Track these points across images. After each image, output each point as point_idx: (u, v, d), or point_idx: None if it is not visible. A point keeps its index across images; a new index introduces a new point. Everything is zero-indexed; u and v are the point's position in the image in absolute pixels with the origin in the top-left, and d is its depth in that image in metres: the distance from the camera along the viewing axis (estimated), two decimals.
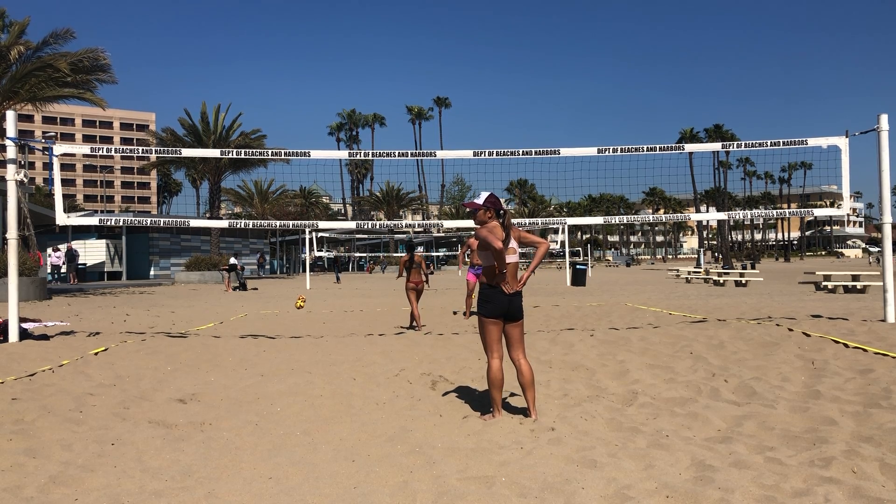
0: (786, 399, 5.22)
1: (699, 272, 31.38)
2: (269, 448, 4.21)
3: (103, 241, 43.25)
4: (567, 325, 10.97)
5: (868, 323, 9.15)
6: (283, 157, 13.62)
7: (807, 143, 9.67)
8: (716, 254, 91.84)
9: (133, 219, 9.95)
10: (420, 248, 76.87)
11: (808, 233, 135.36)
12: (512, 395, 5.55)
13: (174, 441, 4.36)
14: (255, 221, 10.76)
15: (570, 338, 8.83)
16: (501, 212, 4.74)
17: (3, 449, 4.12)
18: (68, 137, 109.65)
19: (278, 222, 10.97)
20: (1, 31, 24.71)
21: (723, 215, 11.01)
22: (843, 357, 6.70)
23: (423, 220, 62.02)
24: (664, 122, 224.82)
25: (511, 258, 4.70)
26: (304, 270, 30.80)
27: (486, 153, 9.64)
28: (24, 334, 8.92)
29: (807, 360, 6.64)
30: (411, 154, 10.43)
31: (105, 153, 9.70)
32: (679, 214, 30.65)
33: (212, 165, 39.64)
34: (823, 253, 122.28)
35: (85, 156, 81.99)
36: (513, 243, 4.72)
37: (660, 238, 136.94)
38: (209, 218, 40.21)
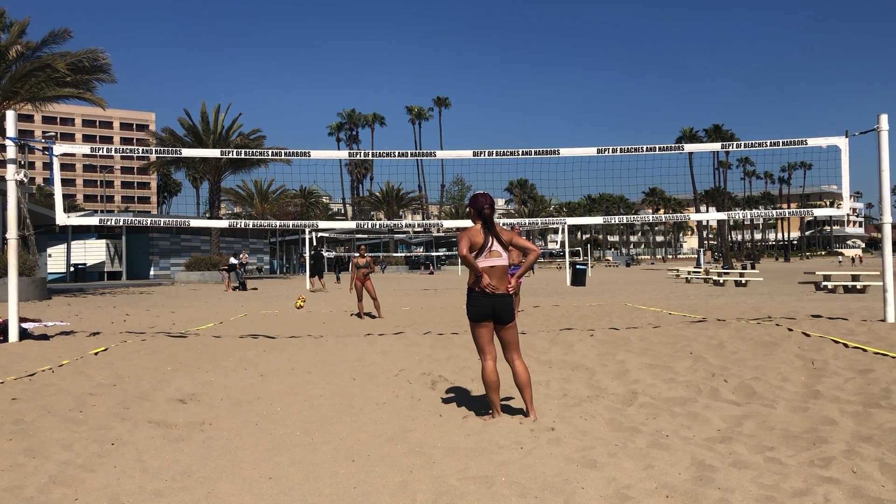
0: (786, 399, 5.22)
1: (699, 272, 31.38)
2: (269, 448, 4.21)
3: (103, 241, 43.28)
4: (567, 325, 10.97)
5: (868, 323, 9.15)
6: (283, 157, 13.61)
7: (806, 144, 9.67)
8: (716, 254, 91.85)
9: (133, 219, 9.95)
10: (420, 248, 76.99)
11: (807, 233, 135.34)
12: (510, 398, 5.54)
13: (174, 441, 4.36)
14: (255, 221, 10.76)
15: (569, 338, 8.83)
16: (486, 212, 4.69)
17: (3, 449, 4.12)
18: (68, 137, 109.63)
19: (278, 222, 10.97)
20: (1, 31, 24.73)
21: (723, 215, 11.02)
22: (843, 357, 6.71)
23: (423, 220, 62.02)
24: (664, 122, 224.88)
25: (497, 261, 4.68)
26: (305, 270, 30.82)
27: (486, 153, 9.64)
28: (24, 334, 8.92)
29: (807, 360, 6.64)
30: (411, 154, 10.43)
31: (105, 153, 9.70)
32: (679, 214, 30.66)
33: (212, 165, 39.65)
34: (823, 253, 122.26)
35: (85, 156, 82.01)
36: (497, 246, 4.68)
37: (660, 238, 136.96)
38: (209, 218, 40.21)
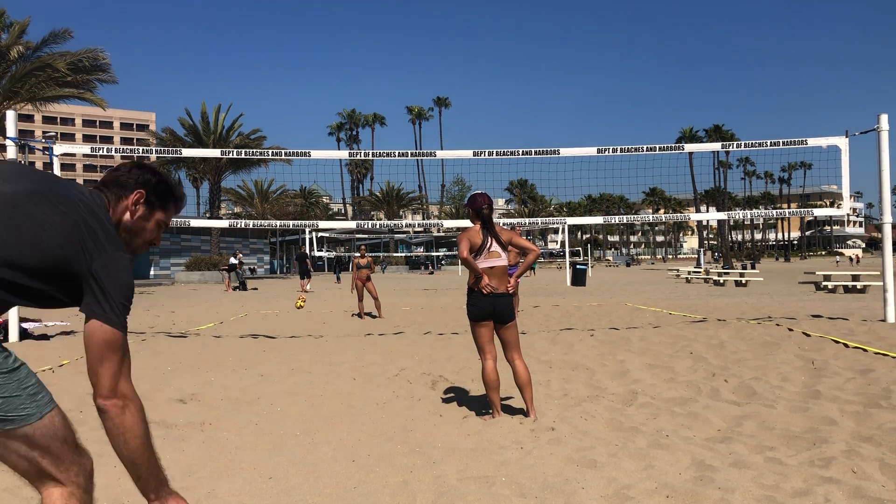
0: (786, 399, 5.21)
1: (699, 272, 31.39)
2: (269, 448, 4.20)
3: None
4: (567, 325, 10.97)
5: (868, 323, 9.15)
6: (283, 157, 13.61)
7: (807, 143, 9.67)
8: (716, 254, 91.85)
9: None
10: (420, 248, 77.05)
11: (808, 233, 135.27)
12: (510, 397, 5.54)
13: (174, 441, 4.36)
14: (256, 221, 10.77)
15: (570, 338, 8.83)
16: (484, 212, 4.72)
17: None
18: (68, 137, 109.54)
19: (278, 222, 10.98)
20: (1, 30, 24.74)
21: (723, 215, 11.03)
22: (843, 357, 6.71)
23: (423, 220, 62.06)
24: (664, 122, 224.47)
25: (496, 261, 4.68)
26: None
27: (486, 153, 9.65)
28: (24, 334, 8.92)
29: (807, 360, 6.64)
30: (411, 154, 10.43)
31: (105, 153, 9.70)
32: (679, 214, 30.71)
33: (212, 165, 39.67)
34: (823, 253, 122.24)
35: (85, 156, 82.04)
36: (496, 246, 4.69)
37: (660, 238, 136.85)
38: (209, 218, 40.22)
